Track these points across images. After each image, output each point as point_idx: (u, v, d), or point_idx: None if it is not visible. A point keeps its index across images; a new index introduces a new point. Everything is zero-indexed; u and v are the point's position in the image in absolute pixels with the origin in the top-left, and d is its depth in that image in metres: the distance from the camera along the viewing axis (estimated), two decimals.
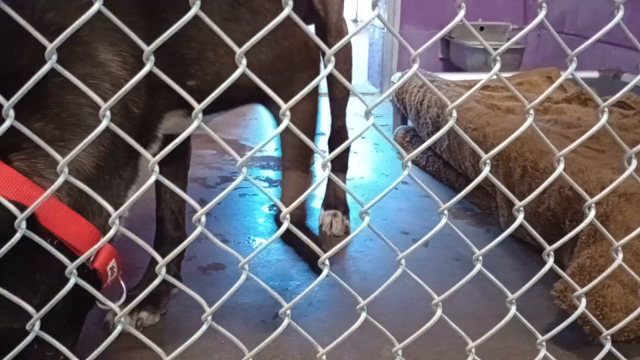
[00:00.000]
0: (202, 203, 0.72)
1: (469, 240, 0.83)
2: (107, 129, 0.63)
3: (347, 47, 1.94)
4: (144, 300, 1.44)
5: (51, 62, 0.60)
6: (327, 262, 0.78)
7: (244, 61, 0.66)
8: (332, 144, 2.04)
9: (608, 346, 0.95)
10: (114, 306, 0.73)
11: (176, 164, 1.43)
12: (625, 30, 0.82)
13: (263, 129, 3.08)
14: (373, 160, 2.71)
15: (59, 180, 0.64)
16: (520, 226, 0.84)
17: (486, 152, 0.79)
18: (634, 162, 0.84)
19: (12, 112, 0.61)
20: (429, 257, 1.81)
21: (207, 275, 1.66)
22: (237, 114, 3.15)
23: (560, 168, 0.82)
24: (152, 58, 0.63)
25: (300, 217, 1.35)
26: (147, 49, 0.62)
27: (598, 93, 0.85)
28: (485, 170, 0.79)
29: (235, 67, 0.66)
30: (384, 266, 1.72)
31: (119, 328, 0.71)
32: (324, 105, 1.71)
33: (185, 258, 1.70)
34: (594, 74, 3.00)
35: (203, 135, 1.48)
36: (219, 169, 2.47)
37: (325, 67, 1.86)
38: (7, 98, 0.61)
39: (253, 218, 2.05)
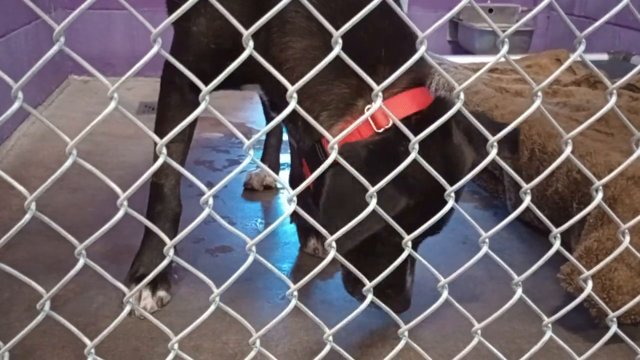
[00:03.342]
0: (210, 186, 0.73)
1: (476, 223, 0.83)
2: None
3: None
4: (159, 279, 1.45)
5: None
6: (333, 244, 0.78)
7: (251, 43, 0.65)
8: None
9: (614, 328, 0.96)
10: (123, 287, 0.74)
11: (183, 143, 1.43)
12: (635, 13, 0.81)
13: None
14: None
15: None
16: (528, 209, 0.84)
17: (493, 135, 0.79)
18: None
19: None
20: (436, 240, 1.80)
21: (214, 258, 1.67)
22: (244, 97, 3.15)
23: (567, 150, 0.81)
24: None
25: None
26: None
27: (607, 76, 0.85)
28: (493, 153, 0.78)
29: None
30: None
31: (127, 308, 0.72)
32: None
33: (192, 240, 1.72)
34: (604, 57, 2.98)
35: (210, 118, 1.48)
36: (226, 152, 2.47)
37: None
38: None
39: (260, 201, 2.06)
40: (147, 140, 2.43)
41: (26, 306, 1.37)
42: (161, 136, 0.67)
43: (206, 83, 0.66)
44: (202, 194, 0.71)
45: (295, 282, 0.80)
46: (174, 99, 1.37)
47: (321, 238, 1.69)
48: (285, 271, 1.63)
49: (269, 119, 2.18)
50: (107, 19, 3.51)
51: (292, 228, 1.80)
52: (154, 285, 1.39)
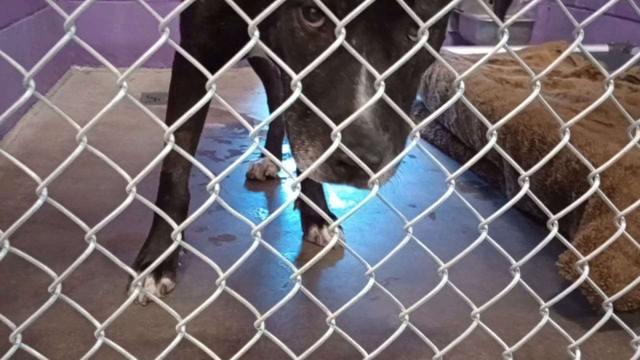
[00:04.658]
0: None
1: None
2: None
3: None
4: (164, 267, 1.46)
5: None
6: (336, 230, 0.80)
7: (257, 33, 0.67)
8: None
9: (609, 313, 0.97)
10: (132, 271, 0.75)
11: (192, 132, 1.44)
12: (633, 5, 0.82)
13: None
14: None
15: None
16: (527, 199, 0.85)
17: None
18: (639, 133, 0.85)
19: None
20: (436, 230, 1.83)
21: (217, 246, 1.68)
22: (245, 87, 3.16)
23: (565, 139, 0.83)
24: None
25: None
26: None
27: (607, 67, 0.86)
28: (492, 141, 0.80)
29: None
30: (392, 238, 1.75)
31: (135, 292, 0.74)
32: None
33: (195, 229, 1.73)
34: (604, 48, 2.98)
35: (212, 109, 1.49)
36: (228, 142, 2.49)
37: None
38: None
39: (262, 191, 2.07)
40: (151, 131, 2.46)
41: (32, 293, 1.39)
42: (170, 124, 0.68)
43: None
44: (204, 184, 0.72)
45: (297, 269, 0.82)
46: (183, 85, 1.38)
47: (323, 226, 1.71)
48: (287, 259, 1.65)
49: (272, 108, 2.19)
50: (108, 10, 3.52)
51: (293, 217, 1.82)
52: (158, 273, 1.41)
